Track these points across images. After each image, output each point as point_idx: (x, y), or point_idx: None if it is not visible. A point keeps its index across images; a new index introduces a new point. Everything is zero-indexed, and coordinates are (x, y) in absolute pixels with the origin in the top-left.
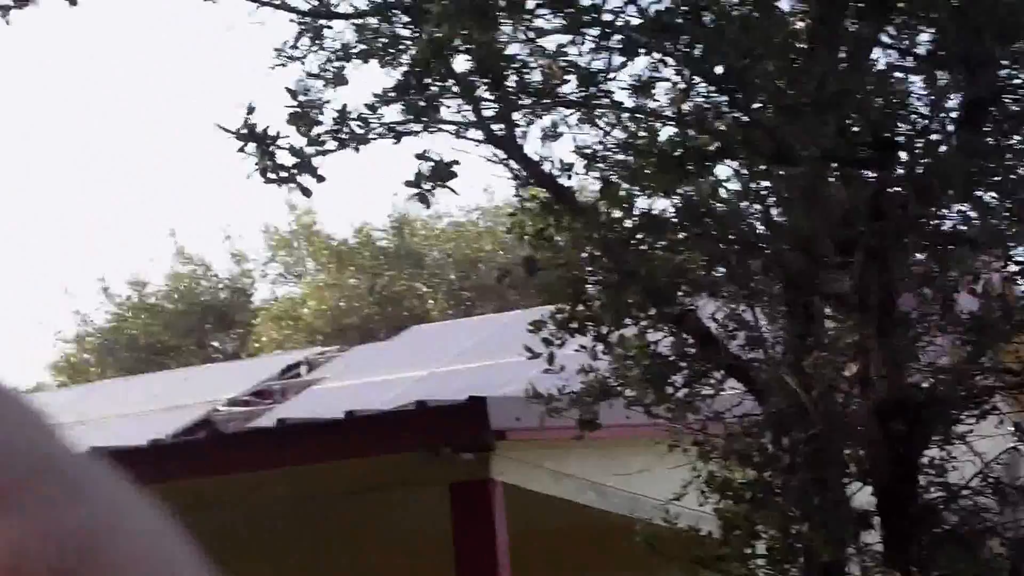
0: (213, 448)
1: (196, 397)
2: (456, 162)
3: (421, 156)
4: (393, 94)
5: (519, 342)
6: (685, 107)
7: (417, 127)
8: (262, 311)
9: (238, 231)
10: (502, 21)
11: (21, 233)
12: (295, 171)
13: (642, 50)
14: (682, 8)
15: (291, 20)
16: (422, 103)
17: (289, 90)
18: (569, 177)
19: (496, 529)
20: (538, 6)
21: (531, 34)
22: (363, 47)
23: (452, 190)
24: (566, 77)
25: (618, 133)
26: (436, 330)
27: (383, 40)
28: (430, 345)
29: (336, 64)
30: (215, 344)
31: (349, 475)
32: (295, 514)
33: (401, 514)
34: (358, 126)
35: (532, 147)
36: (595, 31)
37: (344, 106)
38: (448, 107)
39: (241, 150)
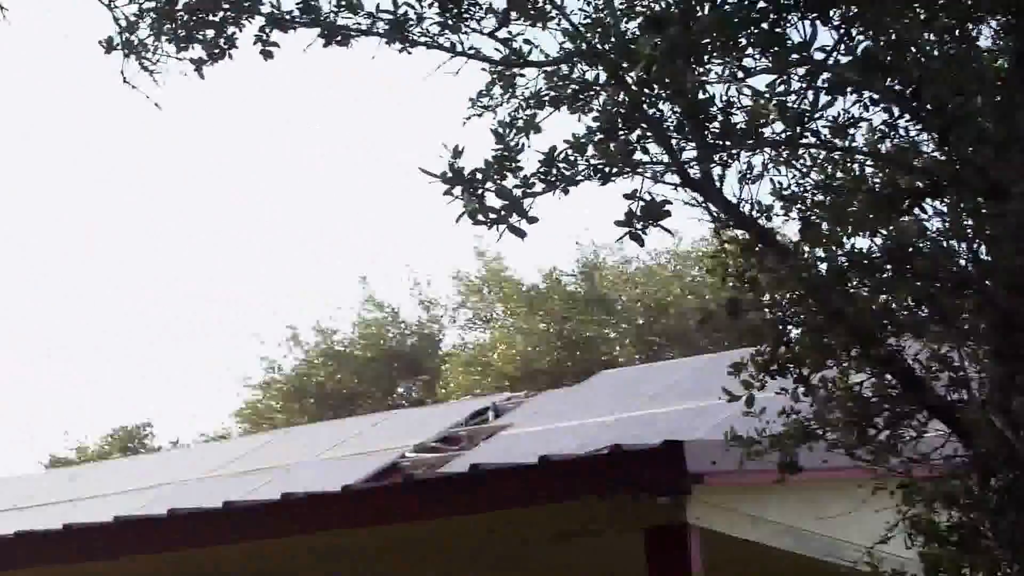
0: (406, 494)
1: (384, 443)
2: (668, 201)
3: (631, 196)
4: (593, 138)
5: (711, 385)
6: (887, 146)
7: (615, 170)
8: (450, 357)
9: (427, 277)
10: (711, 62)
11: (214, 279)
12: (504, 213)
13: (850, 88)
14: (891, 46)
15: (483, 69)
16: (621, 147)
17: (494, 132)
18: (768, 219)
19: (692, 575)
20: (748, 45)
21: (739, 74)
22: (553, 94)
23: (666, 229)
24: (772, 117)
25: (815, 175)
26: (626, 374)
27: (574, 86)
28: (620, 389)
29: (528, 112)
30: (402, 391)
31: (543, 521)
32: (488, 560)
33: (595, 559)
34: (565, 168)
35: (728, 189)
36: (802, 70)
37: (552, 148)
38: (646, 150)
39: (448, 193)
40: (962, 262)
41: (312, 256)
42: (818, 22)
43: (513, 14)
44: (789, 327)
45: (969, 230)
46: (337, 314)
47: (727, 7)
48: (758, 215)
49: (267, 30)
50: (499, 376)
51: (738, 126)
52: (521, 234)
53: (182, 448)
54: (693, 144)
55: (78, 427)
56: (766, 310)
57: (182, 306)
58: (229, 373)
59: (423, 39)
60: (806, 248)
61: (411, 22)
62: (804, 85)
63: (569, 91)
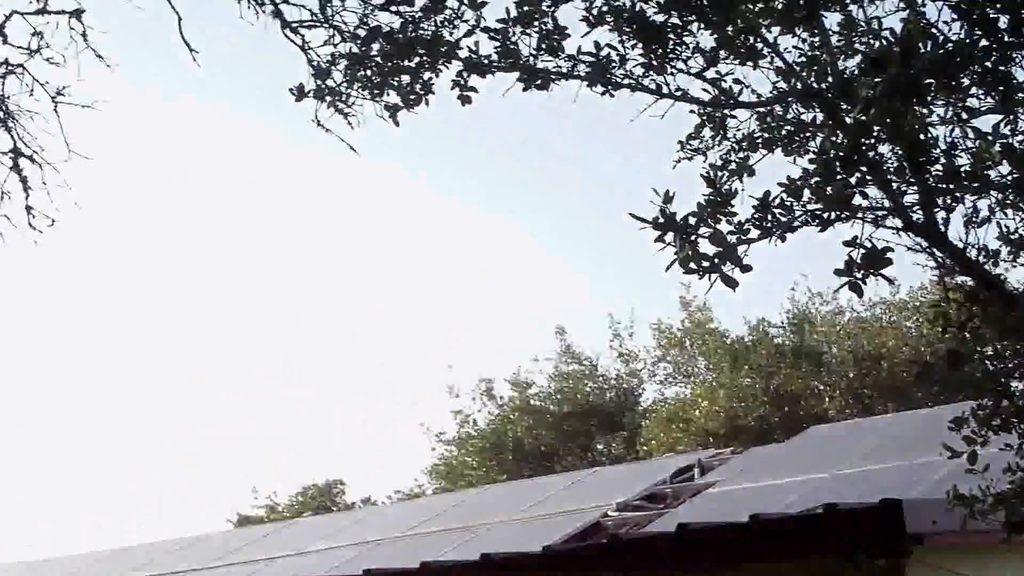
0: (610, 554)
1: (585, 502)
2: (890, 248)
3: (851, 243)
4: (810, 181)
5: (928, 441)
6: None
7: (833, 215)
8: (651, 412)
9: (628, 328)
10: (933, 102)
11: (405, 332)
12: (717, 261)
13: None
14: None
15: (691, 111)
16: (840, 190)
17: (705, 177)
18: (995, 265)
19: None
20: (971, 84)
21: (963, 115)
22: (767, 135)
23: (887, 278)
24: (998, 159)
25: None
26: (838, 430)
27: (788, 127)
28: (832, 445)
29: (740, 155)
30: (601, 447)
31: None
32: None
33: None
34: (781, 213)
35: (952, 233)
36: None
37: (767, 192)
38: (865, 195)
39: (659, 239)
40: None
41: (507, 304)
42: None
43: (722, 53)
44: (1013, 380)
45: None
46: (533, 366)
47: (949, 45)
48: (984, 260)
49: (465, 75)
50: (702, 432)
51: (962, 168)
52: (733, 284)
53: (375, 506)
54: (915, 187)
55: (267, 484)
56: (988, 362)
57: (374, 360)
58: (422, 428)
59: (627, 81)
60: None
61: (614, 64)
62: None
63: (783, 132)
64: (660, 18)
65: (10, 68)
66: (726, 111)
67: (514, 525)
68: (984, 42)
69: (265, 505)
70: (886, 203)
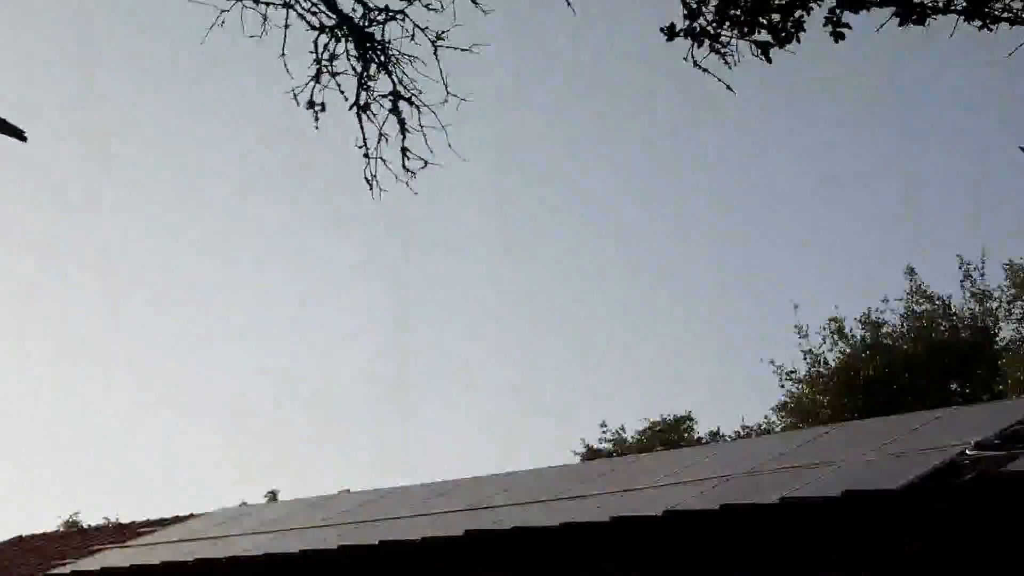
0: (974, 493)
1: (941, 441)
2: None
3: None
4: None
5: None
6: None
7: None
8: (1007, 352)
9: (978, 268)
10: None
11: (755, 272)
12: None
13: None
14: None
15: None
16: None
17: None
18: None
19: None
20: None
21: None
22: None
23: None
24: None
25: None
26: None
27: None
28: None
29: None
30: (955, 387)
31: None
32: None
33: None
34: None
35: None
36: None
37: None
38: None
39: None
40: None
41: (857, 247)
42: None
43: None
44: None
45: None
46: (883, 307)
47: None
48: None
49: (838, 11)
50: None
51: None
52: None
53: (725, 442)
54: None
55: (615, 419)
56: None
57: (724, 296)
58: (771, 367)
59: (1006, 15)
60: None
61: None
62: None
63: None
64: None
65: (391, 15)
66: None
67: (869, 462)
68: None
69: (612, 440)
70: None
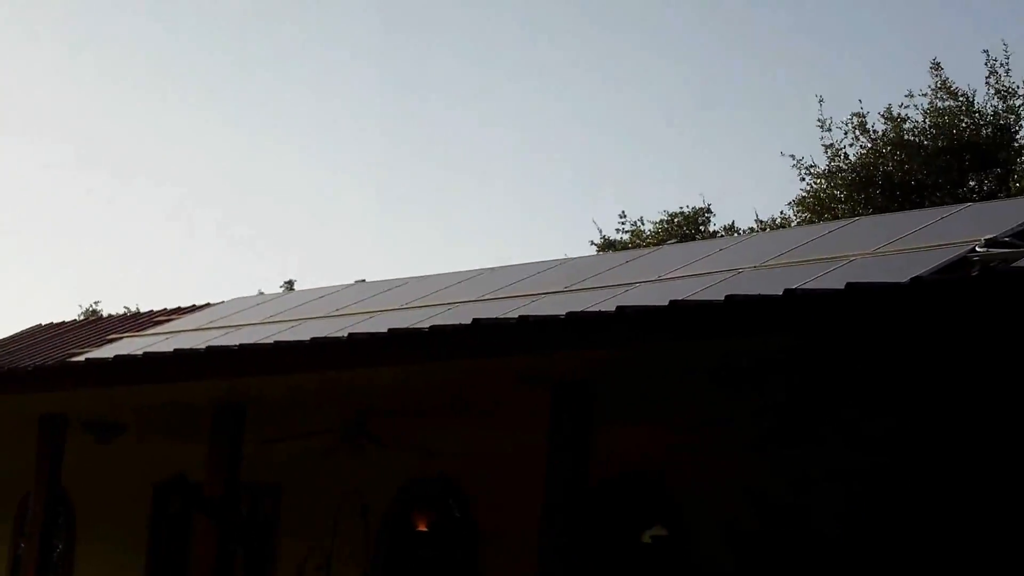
0: (981, 288)
1: (953, 237)
2: None
3: None
4: None
5: None
6: None
7: None
8: None
9: (1003, 65)
10: None
11: (772, 65)
12: None
13: None
14: None
15: None
16: None
17: None
18: None
19: None
20: None
21: None
22: None
23: None
24: None
25: None
26: None
27: None
28: None
29: None
30: (973, 184)
31: None
32: None
33: None
34: None
35: None
36: None
37: None
38: None
39: None
40: None
41: (881, 37)
42: None
43: None
44: None
45: None
46: (907, 102)
47: None
48: None
49: None
50: None
51: None
52: None
53: (739, 235)
54: None
55: (634, 210)
56: None
57: (744, 86)
58: (792, 161)
59: None
60: None
61: None
62: None
63: None
64: None
65: None
66: None
67: (879, 256)
68: None
69: (630, 231)
70: None
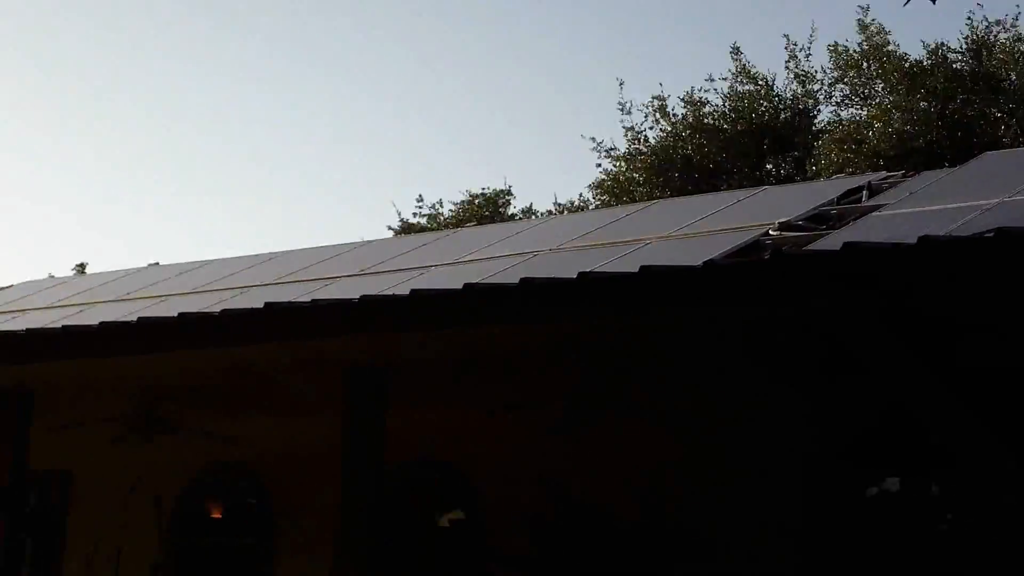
0: (771, 270)
1: (748, 220)
2: None
3: None
4: None
5: None
6: None
7: None
8: (824, 134)
9: (803, 50)
10: None
11: (572, 47)
12: None
13: None
14: None
15: None
16: None
17: None
18: None
19: None
20: None
21: None
22: None
23: None
24: None
25: None
26: (1012, 157)
27: None
28: (1005, 173)
29: None
30: (771, 167)
31: (917, 306)
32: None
33: None
34: None
35: None
36: None
37: None
38: None
39: None
40: None
41: (680, 22)
42: None
43: None
44: None
45: None
46: (707, 85)
47: None
48: None
49: None
50: (873, 155)
51: None
52: None
53: (536, 218)
54: None
55: (432, 193)
56: None
57: (543, 69)
58: (591, 143)
59: None
60: None
61: None
62: None
63: None
64: None
65: None
66: None
67: (675, 240)
68: None
69: (428, 214)
70: None
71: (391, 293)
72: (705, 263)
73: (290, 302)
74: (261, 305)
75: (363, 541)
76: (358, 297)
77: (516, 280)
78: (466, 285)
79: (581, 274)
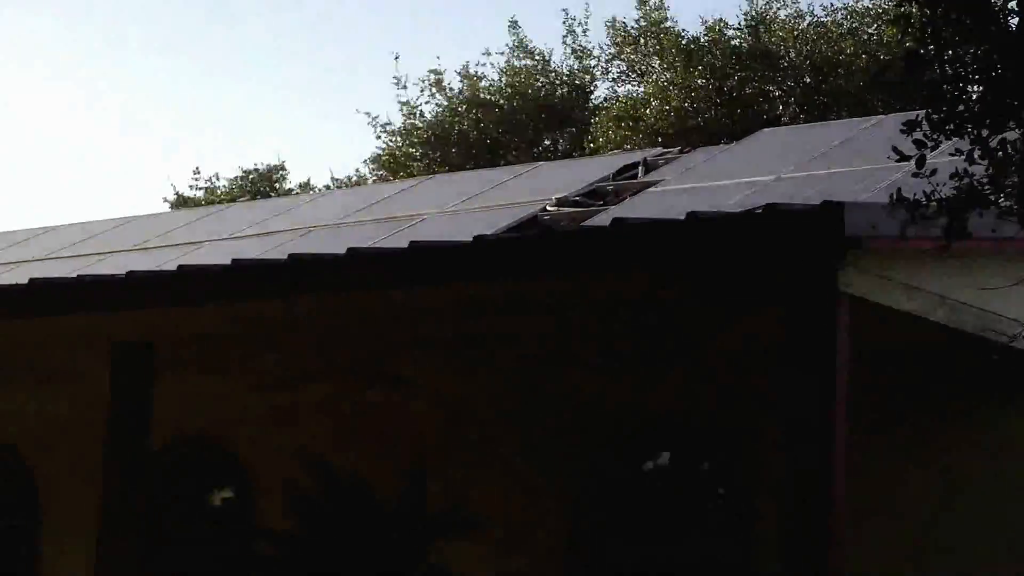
0: (542, 247)
1: (525, 196)
2: None
3: None
4: None
5: (880, 148)
6: None
7: None
8: (601, 110)
9: (582, 25)
10: None
11: (354, 21)
12: None
13: None
14: None
15: None
16: None
17: None
18: None
19: (839, 346)
20: None
21: None
22: None
23: None
24: None
25: None
26: (789, 134)
27: None
28: (781, 149)
29: None
30: (548, 143)
31: (687, 282)
32: (624, 315)
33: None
34: None
35: None
36: None
37: None
38: None
39: None
40: None
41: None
42: None
43: None
44: (971, 85)
45: None
46: (484, 60)
47: None
48: None
49: None
50: (651, 132)
51: None
52: None
53: (311, 193)
54: None
55: (209, 166)
56: (947, 65)
57: (319, 43)
58: (367, 118)
59: None
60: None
61: None
62: None
63: None
64: None
65: None
66: None
67: (449, 216)
68: None
69: (204, 188)
70: None
71: (160, 269)
72: (475, 238)
73: (55, 278)
74: (26, 281)
75: (130, 520)
76: (124, 273)
77: (284, 257)
78: (234, 261)
79: (350, 249)
